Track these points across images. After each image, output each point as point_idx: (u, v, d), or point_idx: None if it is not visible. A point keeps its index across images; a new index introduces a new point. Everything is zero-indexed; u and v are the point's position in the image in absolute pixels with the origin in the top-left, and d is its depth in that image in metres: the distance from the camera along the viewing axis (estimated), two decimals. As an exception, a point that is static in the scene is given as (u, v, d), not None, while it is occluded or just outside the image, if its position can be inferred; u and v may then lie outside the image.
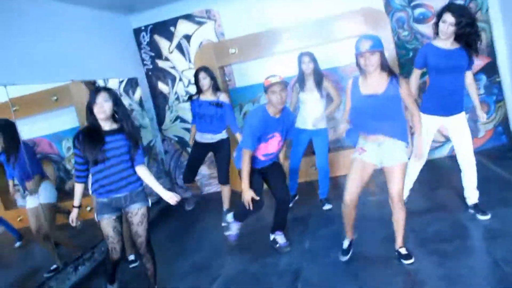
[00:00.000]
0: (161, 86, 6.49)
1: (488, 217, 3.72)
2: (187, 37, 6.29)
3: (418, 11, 5.70)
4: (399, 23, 5.74)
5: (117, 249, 3.21)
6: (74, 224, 3.22)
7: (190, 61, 6.32)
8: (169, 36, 6.33)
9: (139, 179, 3.22)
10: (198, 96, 4.80)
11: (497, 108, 5.74)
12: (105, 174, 3.09)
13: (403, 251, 3.32)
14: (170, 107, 6.52)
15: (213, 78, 4.73)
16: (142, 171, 3.22)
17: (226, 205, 5.01)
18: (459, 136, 3.79)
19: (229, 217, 4.23)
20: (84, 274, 4.35)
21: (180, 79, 6.41)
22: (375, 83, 3.09)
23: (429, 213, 4.07)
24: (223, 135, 4.84)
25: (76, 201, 3.23)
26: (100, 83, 5.57)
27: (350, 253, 3.52)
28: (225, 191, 5.00)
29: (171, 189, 6.55)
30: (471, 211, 3.86)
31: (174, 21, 6.28)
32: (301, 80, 4.78)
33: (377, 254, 3.57)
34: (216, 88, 4.76)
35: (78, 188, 3.21)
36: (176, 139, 6.58)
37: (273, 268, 3.73)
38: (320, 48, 5.85)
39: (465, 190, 3.92)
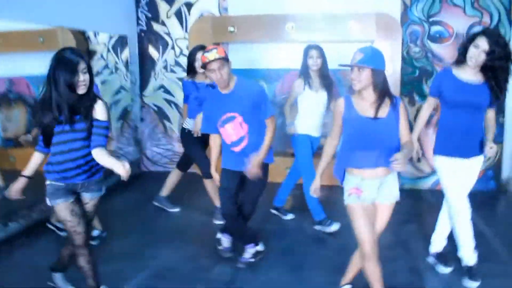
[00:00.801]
0: (152, 50, 6.10)
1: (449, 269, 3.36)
2: (189, 5, 5.87)
3: (435, 28, 5.26)
4: (412, 37, 5.30)
5: (79, 231, 2.74)
6: (14, 197, 2.73)
7: (186, 31, 5.92)
8: (170, 0, 5.91)
9: (100, 166, 2.78)
10: (192, 77, 4.31)
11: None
12: (64, 158, 2.65)
13: None
14: (156, 74, 6.14)
15: None
16: (97, 155, 2.65)
17: (216, 201, 4.45)
18: (466, 181, 3.24)
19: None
20: (15, 232, 4.02)
21: (173, 47, 6.02)
22: (370, 105, 2.57)
23: (387, 249, 3.71)
24: None
25: (28, 170, 2.70)
26: (91, 35, 5.23)
27: None
28: (209, 186, 4.51)
29: (138, 159, 6.26)
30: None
31: (176, -15, 5.88)
32: (306, 76, 4.18)
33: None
34: None
35: (35, 158, 2.72)
36: (156, 108, 6.21)
37: (205, 273, 3.40)
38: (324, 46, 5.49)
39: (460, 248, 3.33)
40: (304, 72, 4.17)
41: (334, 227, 4.13)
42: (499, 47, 2.92)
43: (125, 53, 5.90)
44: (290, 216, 4.54)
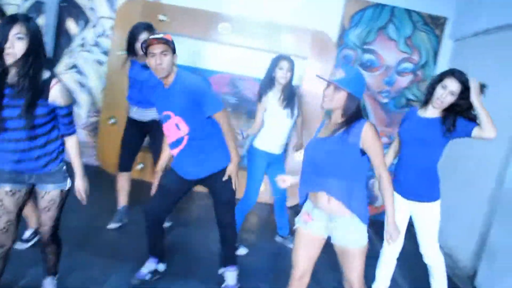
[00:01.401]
0: (70, 24, 5.51)
1: None
2: (118, -16, 5.40)
3: (367, 56, 5.28)
4: (344, 60, 5.28)
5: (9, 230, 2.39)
6: None
7: (113, 10, 5.43)
8: (100, -28, 5.41)
9: (54, 157, 2.42)
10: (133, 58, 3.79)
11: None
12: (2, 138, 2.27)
13: None
14: (71, 51, 5.55)
15: None
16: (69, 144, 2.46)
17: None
18: (402, 223, 3.09)
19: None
20: None
21: (94, 25, 5.48)
22: (333, 126, 2.37)
23: None
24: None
25: None
26: None
27: None
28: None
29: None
30: None
31: (108, -41, 5.37)
32: (268, 88, 3.75)
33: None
34: None
35: None
36: (65, 89, 5.60)
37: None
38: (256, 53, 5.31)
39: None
40: (268, 84, 3.74)
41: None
42: (466, 88, 2.78)
43: (40, 21, 5.26)
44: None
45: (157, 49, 2.72)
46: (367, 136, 2.25)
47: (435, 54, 5.26)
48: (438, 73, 3.00)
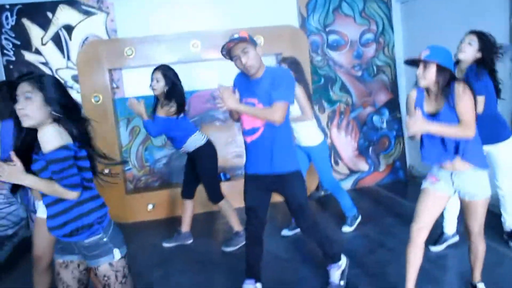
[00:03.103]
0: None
1: None
2: (69, 28, 5.05)
3: (332, 37, 5.52)
4: (313, 46, 5.47)
5: None
6: None
7: (69, 58, 5.08)
8: (44, 24, 5.00)
9: (81, 225, 2.07)
10: None
11: (396, 143, 5.81)
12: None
13: (481, 286, 2.89)
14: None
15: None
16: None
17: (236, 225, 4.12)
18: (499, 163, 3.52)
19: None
20: None
21: (53, 79, 5.09)
22: (431, 101, 2.60)
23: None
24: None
25: None
26: None
27: None
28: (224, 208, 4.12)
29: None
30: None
31: (53, 5, 4.99)
32: None
33: None
34: None
35: None
36: (40, 153, 5.15)
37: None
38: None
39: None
40: None
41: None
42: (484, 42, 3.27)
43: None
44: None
45: (237, 50, 2.70)
46: (457, 94, 2.46)
47: (389, 19, 5.64)
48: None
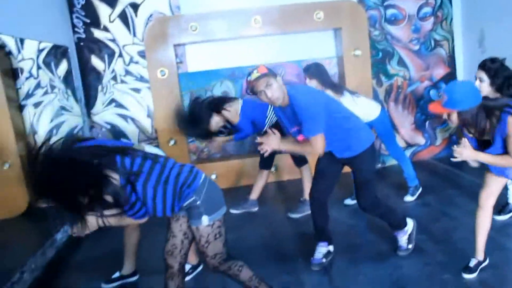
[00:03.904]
0: (95, 61, 5.33)
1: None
2: (135, 6, 5.26)
3: (390, 11, 5.54)
4: (370, 21, 5.50)
5: None
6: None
7: (134, 35, 5.32)
8: (112, 2, 5.23)
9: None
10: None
11: (453, 118, 5.81)
12: None
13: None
14: (104, 87, 5.39)
15: None
16: None
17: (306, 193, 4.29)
18: None
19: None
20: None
21: (120, 55, 5.35)
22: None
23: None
24: None
25: None
26: (9, 42, 4.20)
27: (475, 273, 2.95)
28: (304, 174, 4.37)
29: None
30: None
31: (120, -16, 5.24)
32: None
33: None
34: None
35: None
36: (109, 126, 5.44)
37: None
38: (290, 37, 5.42)
39: None
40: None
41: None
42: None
43: (62, 67, 5.05)
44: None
45: (261, 86, 2.80)
46: (509, 129, 2.42)
47: (449, -8, 5.62)
48: None
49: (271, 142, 2.86)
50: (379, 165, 5.57)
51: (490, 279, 2.90)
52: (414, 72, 5.67)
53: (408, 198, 4.39)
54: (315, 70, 4.09)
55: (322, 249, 3.32)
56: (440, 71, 5.71)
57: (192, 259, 3.35)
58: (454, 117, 2.52)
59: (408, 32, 5.59)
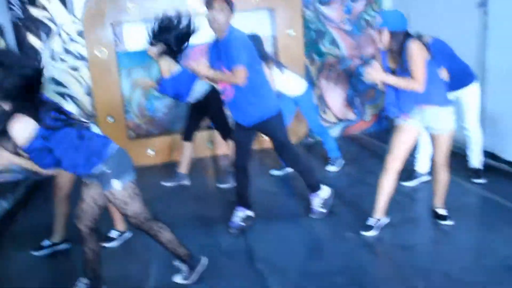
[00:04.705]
0: (32, 39, 5.38)
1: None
2: (73, -15, 5.35)
3: (323, -7, 5.80)
4: (305, 2, 5.72)
5: None
6: None
7: (73, 14, 5.38)
8: (49, -20, 5.30)
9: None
10: None
11: (382, 95, 6.15)
12: None
13: (442, 212, 3.36)
14: (42, 65, 5.42)
15: None
16: None
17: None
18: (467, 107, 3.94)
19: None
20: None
21: (59, 34, 5.41)
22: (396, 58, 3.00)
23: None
24: None
25: None
26: None
27: (374, 231, 3.28)
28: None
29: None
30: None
31: (57, -38, 5.28)
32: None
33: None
34: None
35: None
36: (49, 104, 5.52)
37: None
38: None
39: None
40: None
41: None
42: None
43: (-1, 45, 5.11)
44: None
45: (217, 5, 3.04)
46: (408, 52, 2.86)
47: (379, -25, 5.90)
48: None
49: (201, 67, 3.12)
50: (310, 140, 5.89)
51: (387, 236, 3.24)
52: (346, 51, 5.96)
53: (330, 168, 4.72)
54: (252, 40, 4.29)
55: (240, 213, 3.59)
56: (370, 50, 6.01)
57: (120, 226, 3.56)
58: (385, 38, 2.88)
59: (340, 13, 5.86)
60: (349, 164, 4.81)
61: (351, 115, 6.14)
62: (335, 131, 6.08)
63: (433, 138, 3.13)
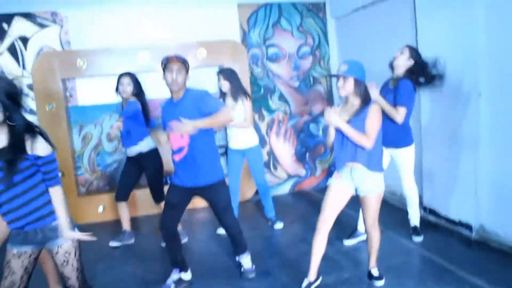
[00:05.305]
0: (-19, 92, 5.36)
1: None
2: (24, 40, 5.39)
3: (271, 50, 6.03)
4: (253, 59, 5.96)
5: None
6: None
7: (24, 68, 5.42)
8: (1, 34, 5.32)
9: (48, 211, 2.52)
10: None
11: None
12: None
13: (375, 272, 3.41)
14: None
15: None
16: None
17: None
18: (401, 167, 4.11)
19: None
20: None
21: (9, 87, 5.41)
22: (351, 109, 3.11)
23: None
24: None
25: None
26: None
27: None
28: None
29: None
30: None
31: (8, 17, 5.33)
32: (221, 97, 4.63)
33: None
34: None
35: None
36: None
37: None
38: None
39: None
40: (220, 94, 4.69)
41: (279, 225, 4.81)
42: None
43: None
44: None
45: (175, 66, 3.16)
46: (369, 112, 2.99)
47: (325, 34, 6.18)
48: None
49: (187, 127, 3.05)
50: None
51: (319, 298, 3.30)
52: (295, 107, 6.17)
53: (278, 226, 4.80)
54: (230, 73, 4.52)
55: (173, 276, 3.59)
56: (319, 106, 6.24)
57: None
58: (349, 85, 2.99)
59: (288, 69, 6.10)
60: (295, 221, 4.90)
61: (301, 171, 6.29)
62: (286, 187, 6.21)
63: (361, 200, 3.21)
